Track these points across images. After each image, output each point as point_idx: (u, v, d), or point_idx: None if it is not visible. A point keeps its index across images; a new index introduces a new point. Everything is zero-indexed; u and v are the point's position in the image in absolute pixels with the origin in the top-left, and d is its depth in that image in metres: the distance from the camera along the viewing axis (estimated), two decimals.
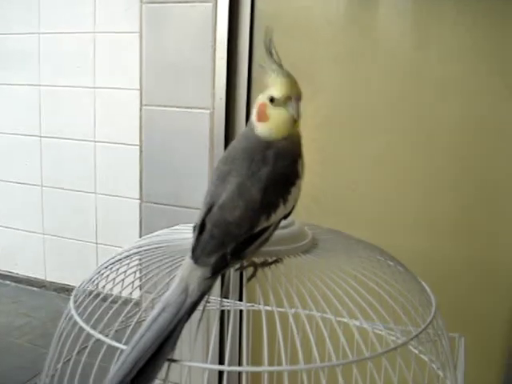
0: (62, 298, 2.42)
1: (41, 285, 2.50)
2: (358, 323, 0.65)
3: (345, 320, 0.64)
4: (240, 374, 1.22)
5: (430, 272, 0.87)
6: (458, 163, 1.28)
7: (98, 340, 0.66)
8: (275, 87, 0.67)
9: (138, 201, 2.13)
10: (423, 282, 0.81)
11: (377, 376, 0.62)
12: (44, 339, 2.09)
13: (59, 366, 0.71)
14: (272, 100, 0.67)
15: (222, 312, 0.98)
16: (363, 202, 1.36)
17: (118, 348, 0.62)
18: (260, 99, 0.69)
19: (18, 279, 2.54)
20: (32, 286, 2.51)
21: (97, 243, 2.32)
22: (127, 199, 2.21)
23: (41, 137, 2.34)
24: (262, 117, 0.68)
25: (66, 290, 2.43)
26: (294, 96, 0.67)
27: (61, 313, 2.34)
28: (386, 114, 1.32)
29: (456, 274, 1.31)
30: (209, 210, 0.67)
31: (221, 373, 1.41)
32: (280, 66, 0.69)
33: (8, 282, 2.56)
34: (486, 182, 1.27)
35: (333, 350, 0.61)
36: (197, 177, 1.41)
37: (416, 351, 0.78)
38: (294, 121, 0.68)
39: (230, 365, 0.59)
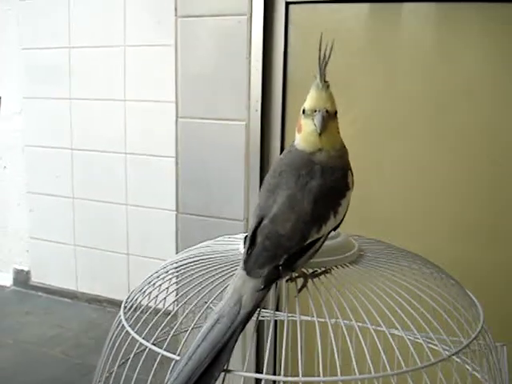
0: (94, 309, 2.44)
1: (72, 296, 2.51)
2: (410, 335, 0.65)
3: (398, 333, 0.65)
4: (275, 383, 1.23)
5: (468, 279, 0.87)
6: (492, 168, 1.28)
7: (147, 350, 0.67)
8: (308, 99, 0.69)
9: (169, 212, 2.16)
10: (471, 295, 0.81)
11: None
12: (77, 350, 2.10)
13: (114, 368, 0.72)
14: (304, 111, 0.69)
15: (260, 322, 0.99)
16: (399, 209, 1.36)
17: (165, 359, 0.63)
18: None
19: (49, 290, 2.56)
20: (64, 297, 2.53)
21: (128, 254, 2.34)
22: (158, 210, 2.23)
23: (72, 149, 2.36)
24: (299, 128, 0.70)
25: (97, 300, 2.45)
26: (319, 109, 0.68)
27: (93, 323, 2.36)
28: (421, 120, 1.32)
29: (494, 280, 1.30)
30: (259, 223, 0.68)
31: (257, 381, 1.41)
32: (323, 80, 0.69)
33: (40, 294, 2.58)
34: None
35: (387, 361, 0.61)
36: (233, 188, 1.42)
37: (463, 362, 0.78)
38: (319, 133, 0.68)
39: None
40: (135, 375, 0.67)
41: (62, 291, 2.53)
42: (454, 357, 0.68)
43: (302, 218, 0.66)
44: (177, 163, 1.48)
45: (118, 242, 2.35)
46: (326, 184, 0.68)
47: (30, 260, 2.60)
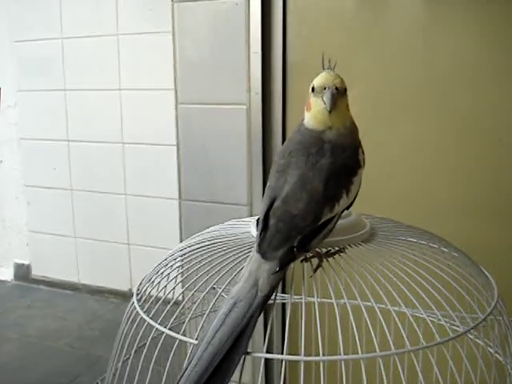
0: (96, 300, 2.43)
1: (74, 288, 2.51)
2: (431, 314, 0.65)
3: (418, 313, 0.64)
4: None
5: (481, 257, 0.87)
6: (495, 148, 1.27)
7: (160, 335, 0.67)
8: (317, 78, 0.69)
9: (169, 200, 2.15)
10: (486, 272, 0.81)
11: (435, 364, 0.62)
12: (81, 342, 2.10)
13: (131, 354, 0.71)
14: (313, 89, 0.68)
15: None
16: (402, 189, 1.36)
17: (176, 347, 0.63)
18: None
19: (51, 283, 2.56)
20: (65, 289, 2.53)
21: (129, 244, 2.33)
22: (157, 199, 2.22)
23: (68, 141, 2.35)
24: (308, 106, 0.70)
25: (99, 291, 2.45)
26: (329, 86, 0.67)
27: (95, 314, 2.35)
28: (421, 101, 1.31)
29: (506, 257, 1.30)
30: (271, 204, 0.67)
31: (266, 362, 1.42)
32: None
33: (42, 287, 2.57)
34: None
35: (407, 340, 0.61)
36: (235, 173, 1.41)
37: (478, 339, 0.78)
38: (329, 111, 0.67)
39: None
40: (152, 363, 0.66)
41: (63, 283, 2.53)
42: (471, 334, 0.68)
43: (314, 198, 0.65)
44: (178, 149, 1.47)
45: (118, 233, 2.34)
46: (336, 162, 0.67)
47: (30, 253, 2.60)
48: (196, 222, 1.45)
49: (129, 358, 0.73)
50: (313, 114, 0.69)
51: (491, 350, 0.75)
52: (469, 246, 0.88)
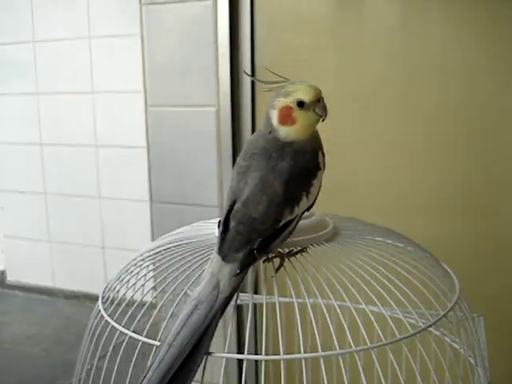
0: (72, 305, 2.41)
1: (50, 293, 2.49)
2: (389, 310, 0.65)
3: (375, 309, 0.65)
4: (257, 362, 1.25)
5: (444, 254, 0.88)
6: (462, 143, 1.29)
7: (128, 339, 0.67)
8: (302, 92, 0.68)
9: (143, 202, 2.14)
10: (446, 266, 0.82)
11: (395, 362, 0.63)
12: (57, 347, 2.08)
13: (94, 361, 0.71)
14: (300, 105, 0.68)
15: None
16: (370, 188, 1.37)
17: (148, 349, 0.63)
18: (282, 103, 0.69)
19: (26, 289, 2.53)
20: (41, 294, 2.50)
21: (103, 247, 2.32)
22: (132, 202, 2.21)
23: (41, 145, 2.33)
24: (288, 120, 0.69)
25: (75, 296, 2.43)
26: (319, 98, 0.69)
27: (71, 319, 2.33)
28: (390, 97, 1.33)
29: (467, 254, 1.32)
30: (232, 206, 0.68)
31: (239, 362, 1.42)
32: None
33: (17, 292, 2.55)
34: (491, 159, 1.28)
35: (367, 337, 0.62)
36: (206, 175, 1.41)
37: (441, 334, 0.79)
38: (320, 120, 0.70)
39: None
40: (115, 367, 0.66)
41: (39, 289, 2.51)
42: (432, 329, 0.69)
43: (274, 200, 0.66)
44: (148, 152, 1.47)
45: (93, 236, 2.33)
46: (296, 165, 0.68)
47: (5, 259, 2.57)
48: (168, 224, 1.46)
49: (101, 358, 0.73)
50: (300, 127, 0.69)
51: (456, 346, 0.76)
52: (433, 242, 0.90)
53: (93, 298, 2.37)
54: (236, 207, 0.67)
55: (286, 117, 0.69)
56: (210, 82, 1.38)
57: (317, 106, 0.68)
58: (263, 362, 0.59)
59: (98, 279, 2.35)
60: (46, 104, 2.30)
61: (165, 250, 0.77)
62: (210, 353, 0.60)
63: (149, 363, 0.60)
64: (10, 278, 2.57)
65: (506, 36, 1.22)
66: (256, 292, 1.02)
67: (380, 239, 0.79)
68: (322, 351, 0.59)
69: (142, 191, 2.08)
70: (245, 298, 0.95)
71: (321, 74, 1.34)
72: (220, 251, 0.65)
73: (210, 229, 0.83)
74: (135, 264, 0.77)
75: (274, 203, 0.66)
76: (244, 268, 0.64)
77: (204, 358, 0.60)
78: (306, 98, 0.68)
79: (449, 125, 1.29)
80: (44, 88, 2.29)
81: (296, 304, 0.63)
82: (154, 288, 0.71)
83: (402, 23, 1.29)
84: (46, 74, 2.27)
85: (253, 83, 1.38)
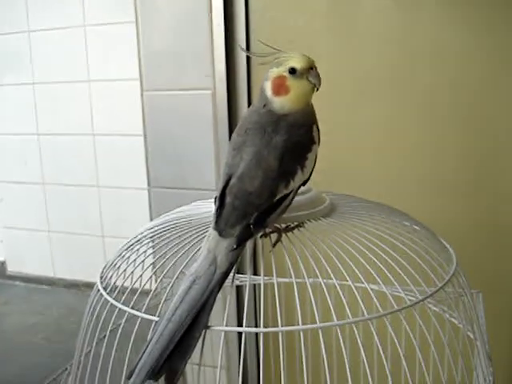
0: (73, 294, 2.42)
1: (50, 282, 2.49)
2: (387, 287, 0.66)
3: (375, 287, 0.65)
4: (257, 336, 1.26)
5: (442, 232, 0.88)
6: (459, 124, 1.29)
7: (127, 319, 0.67)
8: (294, 60, 0.68)
9: (142, 190, 2.14)
10: (443, 241, 0.82)
11: (394, 334, 0.63)
12: (58, 335, 2.08)
13: (94, 341, 0.72)
14: (293, 72, 0.68)
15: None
16: (369, 168, 1.37)
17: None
18: (275, 73, 0.69)
19: (27, 279, 2.54)
20: (42, 284, 2.51)
21: (103, 236, 2.32)
22: (131, 189, 2.20)
23: (38, 134, 2.33)
24: (282, 90, 0.69)
25: (75, 285, 2.44)
26: (313, 66, 0.69)
27: (72, 308, 2.33)
28: (386, 79, 1.33)
29: (467, 232, 1.32)
30: (228, 181, 0.68)
31: (239, 335, 1.45)
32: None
33: (18, 283, 2.55)
34: (489, 138, 1.28)
35: (366, 312, 0.62)
36: (203, 158, 1.41)
37: (439, 310, 0.79)
38: (315, 90, 0.70)
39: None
40: (114, 349, 0.67)
41: (39, 278, 2.51)
42: (431, 305, 0.69)
43: (269, 175, 0.66)
44: (145, 137, 1.47)
45: (92, 225, 2.32)
46: (290, 139, 0.68)
47: (5, 250, 2.57)
48: (166, 209, 1.45)
49: (100, 340, 0.74)
50: (294, 96, 0.69)
51: (455, 321, 0.77)
52: (432, 222, 0.90)
53: (93, 287, 2.38)
54: (231, 182, 0.67)
55: (280, 86, 0.69)
56: (205, 65, 1.37)
57: (310, 73, 0.68)
58: (261, 335, 0.59)
59: (98, 268, 2.35)
60: (42, 94, 2.29)
61: (164, 228, 0.77)
62: (209, 326, 0.61)
63: (148, 337, 0.61)
64: (10, 268, 2.58)
65: (501, 20, 1.22)
66: (255, 269, 1.02)
67: (376, 214, 0.79)
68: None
69: (140, 179, 2.08)
70: (244, 278, 0.96)
71: (315, 55, 1.33)
72: (216, 227, 0.65)
73: (209, 207, 0.83)
74: (131, 246, 0.77)
75: (269, 177, 0.66)
76: (241, 243, 0.64)
77: (203, 333, 0.61)
78: (299, 65, 0.68)
79: (445, 105, 1.29)
80: (40, 78, 2.28)
81: (295, 284, 0.63)
82: (153, 264, 0.72)
83: (397, 4, 1.28)
84: (42, 63, 2.27)
85: (248, 65, 1.37)
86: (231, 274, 0.64)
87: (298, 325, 0.60)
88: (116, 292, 0.72)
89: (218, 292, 0.62)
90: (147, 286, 0.70)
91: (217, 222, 0.66)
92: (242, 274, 0.93)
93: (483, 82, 1.26)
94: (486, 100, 1.26)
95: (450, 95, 1.28)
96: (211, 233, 0.66)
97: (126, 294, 0.70)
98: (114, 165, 2.22)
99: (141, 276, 0.72)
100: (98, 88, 2.18)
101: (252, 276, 0.90)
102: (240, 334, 1.43)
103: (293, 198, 0.70)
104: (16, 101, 2.34)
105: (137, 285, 0.71)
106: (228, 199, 0.66)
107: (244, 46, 1.36)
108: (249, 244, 0.68)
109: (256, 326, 0.64)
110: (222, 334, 0.60)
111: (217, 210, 0.67)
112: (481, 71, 1.25)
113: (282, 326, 0.59)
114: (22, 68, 2.29)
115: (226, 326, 0.62)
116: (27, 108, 2.32)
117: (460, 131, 1.29)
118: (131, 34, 1.74)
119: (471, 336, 0.76)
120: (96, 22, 2.12)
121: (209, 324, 0.61)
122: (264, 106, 0.70)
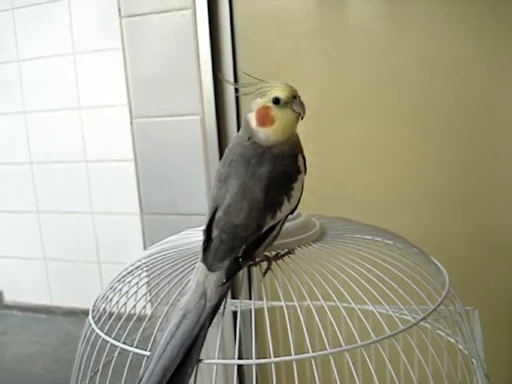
0: (70, 321, 2.41)
1: (48, 311, 2.48)
2: (380, 308, 0.65)
3: (369, 307, 0.65)
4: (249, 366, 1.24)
5: (436, 249, 0.88)
6: (451, 138, 1.29)
7: (120, 352, 0.66)
8: (278, 89, 0.68)
9: (136, 215, 2.14)
10: (436, 261, 0.82)
11: (386, 358, 0.63)
12: (57, 364, 2.07)
13: (87, 379, 0.71)
14: (277, 102, 0.68)
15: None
16: (360, 187, 1.37)
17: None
18: (259, 104, 0.69)
19: (24, 308, 2.53)
20: (39, 312, 2.50)
21: (99, 262, 2.31)
22: (125, 215, 2.20)
23: (31, 163, 2.33)
24: (267, 120, 0.68)
25: (73, 312, 2.42)
26: (296, 95, 0.68)
27: (70, 336, 2.32)
28: (374, 97, 1.33)
29: (461, 248, 1.31)
30: (214, 214, 0.67)
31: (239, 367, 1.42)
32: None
33: (15, 312, 2.54)
34: (483, 153, 1.28)
35: (357, 335, 0.61)
36: (194, 183, 1.41)
37: (434, 328, 0.79)
38: (300, 119, 0.69)
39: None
40: (108, 380, 0.66)
41: (36, 307, 2.50)
42: (424, 323, 0.69)
43: (255, 206, 0.66)
44: (136, 164, 1.47)
45: (87, 252, 2.32)
46: (275, 170, 0.67)
47: (1, 279, 2.56)
48: (159, 235, 1.44)
49: (95, 374, 0.73)
50: (280, 126, 0.68)
51: (451, 340, 0.76)
52: (425, 238, 0.90)
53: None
54: (218, 216, 0.67)
55: (265, 117, 0.68)
56: (193, 91, 1.38)
57: (294, 102, 0.68)
58: (254, 366, 0.59)
59: (94, 295, 2.34)
60: (33, 122, 2.30)
61: (155, 259, 0.77)
62: (201, 360, 0.60)
63: (140, 374, 0.60)
64: (7, 298, 2.56)
65: (495, 29, 1.22)
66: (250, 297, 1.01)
67: (368, 237, 0.78)
68: (313, 352, 0.59)
69: (134, 204, 2.08)
70: (243, 303, 0.95)
71: (303, 76, 1.34)
72: (204, 260, 0.65)
73: (198, 236, 0.83)
74: (123, 277, 0.76)
75: (255, 209, 0.66)
76: (230, 277, 0.64)
77: (195, 367, 0.60)
78: (282, 94, 0.67)
79: (437, 121, 1.29)
80: (31, 106, 2.29)
81: (285, 308, 0.63)
82: (146, 297, 0.71)
83: (384, 23, 1.29)
84: (33, 92, 2.27)
85: (236, 89, 1.37)
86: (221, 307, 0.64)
87: (291, 355, 0.59)
88: (108, 325, 0.71)
89: (210, 326, 0.62)
90: (141, 314, 0.70)
91: (204, 256, 0.65)
92: (237, 299, 0.92)
93: (473, 97, 1.26)
94: (482, 114, 1.26)
95: (439, 112, 1.28)
96: (200, 265, 0.66)
97: (118, 328, 0.69)
98: (107, 190, 2.21)
99: (134, 307, 0.72)
100: (89, 114, 2.18)
101: (245, 301, 0.90)
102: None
103: (281, 228, 0.70)
104: (8, 130, 2.34)
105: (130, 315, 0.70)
106: (215, 232, 0.66)
107: (231, 71, 1.36)
108: (242, 271, 0.67)
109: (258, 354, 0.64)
110: (215, 367, 0.60)
111: (204, 243, 0.66)
112: (473, 85, 1.25)
113: (272, 357, 0.58)
114: (12, 97, 2.30)
115: (219, 358, 0.61)
116: (19, 137, 2.32)
117: (451, 147, 1.29)
118: (120, 60, 1.75)
119: (467, 354, 0.75)
120: (85, 50, 2.12)
121: (206, 353, 0.60)
122: (249, 138, 0.70)
